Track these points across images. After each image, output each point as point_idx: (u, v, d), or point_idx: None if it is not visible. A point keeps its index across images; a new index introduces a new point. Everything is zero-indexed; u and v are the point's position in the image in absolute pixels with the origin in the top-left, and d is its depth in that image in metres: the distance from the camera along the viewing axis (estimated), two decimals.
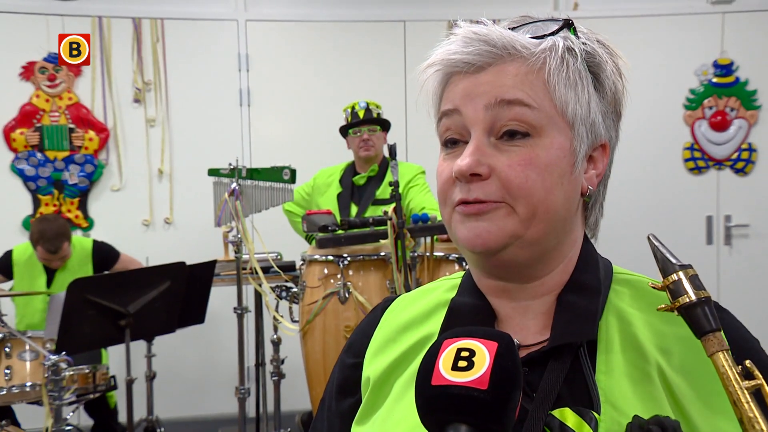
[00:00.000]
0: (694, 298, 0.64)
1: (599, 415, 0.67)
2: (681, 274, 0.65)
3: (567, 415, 0.68)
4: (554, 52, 0.73)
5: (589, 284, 0.77)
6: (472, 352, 0.60)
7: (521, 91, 0.72)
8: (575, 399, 0.70)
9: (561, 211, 0.75)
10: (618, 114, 0.80)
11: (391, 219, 2.64)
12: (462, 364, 0.59)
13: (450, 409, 0.58)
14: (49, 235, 3.50)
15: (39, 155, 4.30)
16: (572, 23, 0.77)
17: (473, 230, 0.73)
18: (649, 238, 0.70)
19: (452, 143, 0.77)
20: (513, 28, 0.76)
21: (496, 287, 0.79)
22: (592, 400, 0.69)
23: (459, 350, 0.60)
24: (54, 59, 4.29)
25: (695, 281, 0.65)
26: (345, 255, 2.81)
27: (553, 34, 0.75)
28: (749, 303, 4.48)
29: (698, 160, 4.69)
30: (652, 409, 0.68)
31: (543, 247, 0.75)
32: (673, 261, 0.67)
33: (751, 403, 0.60)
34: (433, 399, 0.59)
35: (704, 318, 0.63)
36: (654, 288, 0.69)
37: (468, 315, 0.79)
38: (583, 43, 0.76)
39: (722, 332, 0.72)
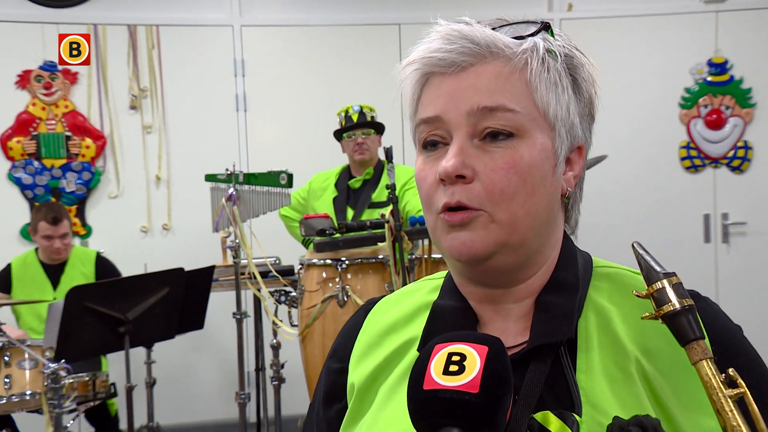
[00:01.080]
0: (678, 306, 0.64)
1: (580, 417, 0.67)
2: (665, 282, 0.66)
3: (549, 420, 0.67)
4: (536, 53, 0.73)
5: (567, 282, 0.77)
6: (463, 357, 0.61)
7: (503, 96, 0.72)
8: (557, 400, 0.70)
9: (543, 213, 0.75)
10: (592, 117, 0.80)
11: (388, 222, 2.65)
12: (453, 368, 0.60)
13: (441, 413, 0.59)
14: (50, 206, 3.55)
15: (36, 163, 4.30)
16: (550, 26, 0.77)
17: (458, 240, 0.73)
18: (633, 246, 0.70)
19: (432, 145, 0.76)
20: (492, 29, 0.75)
21: (478, 293, 0.79)
22: (573, 402, 0.69)
23: (450, 354, 0.61)
24: (50, 67, 4.29)
25: (679, 289, 0.65)
26: (343, 258, 2.81)
27: (532, 35, 0.75)
28: (747, 301, 4.49)
29: (694, 159, 4.70)
30: (633, 407, 0.68)
31: (527, 250, 0.75)
32: (657, 269, 0.67)
33: (735, 412, 0.60)
34: (424, 403, 0.60)
35: (688, 326, 0.64)
36: (638, 296, 0.69)
37: (450, 318, 0.78)
38: (561, 45, 0.76)
39: (704, 330, 0.71)
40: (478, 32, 0.73)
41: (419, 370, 0.62)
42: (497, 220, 0.72)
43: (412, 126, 0.80)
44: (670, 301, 0.65)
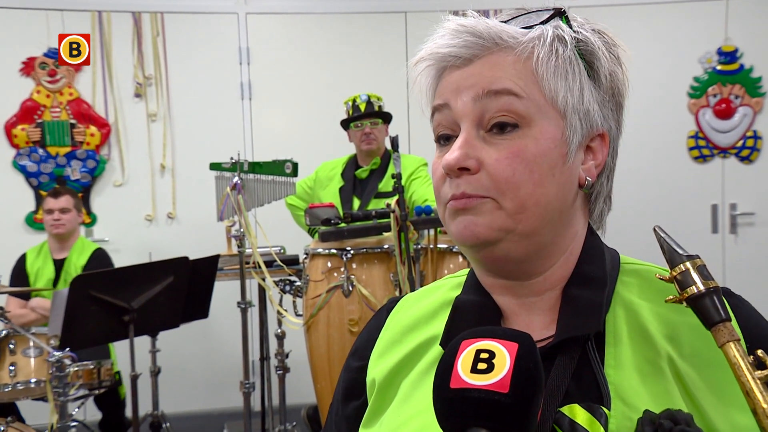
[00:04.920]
0: (702, 288, 0.63)
1: (609, 410, 0.66)
2: (688, 264, 0.64)
3: (577, 412, 0.66)
4: (542, 41, 0.73)
5: (594, 276, 0.75)
6: (492, 354, 0.58)
7: (509, 80, 0.72)
8: (584, 394, 0.68)
9: (554, 203, 0.73)
10: (618, 103, 0.79)
11: (394, 211, 2.63)
12: (482, 366, 0.58)
13: (469, 413, 0.57)
14: (59, 185, 3.63)
15: (41, 151, 4.29)
16: (564, 12, 0.76)
17: (462, 223, 0.73)
18: (655, 229, 0.69)
19: (445, 139, 0.76)
20: (506, 21, 0.76)
21: (498, 284, 0.78)
22: (601, 395, 0.67)
23: (478, 351, 0.59)
24: (54, 55, 4.28)
25: (703, 271, 0.64)
26: (348, 248, 2.80)
27: (543, 23, 0.74)
28: (755, 291, 4.42)
29: (703, 149, 4.66)
30: (664, 402, 0.66)
31: (538, 240, 0.74)
32: (680, 252, 0.66)
33: (765, 394, 0.58)
34: (451, 402, 0.58)
35: (713, 308, 0.62)
36: (662, 279, 0.68)
37: (473, 312, 0.77)
38: (574, 31, 0.75)
39: (734, 320, 0.69)
40: (481, 25, 0.73)
41: (446, 367, 0.60)
42: (504, 207, 0.72)
43: (430, 119, 0.80)
44: (694, 283, 0.63)
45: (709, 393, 0.68)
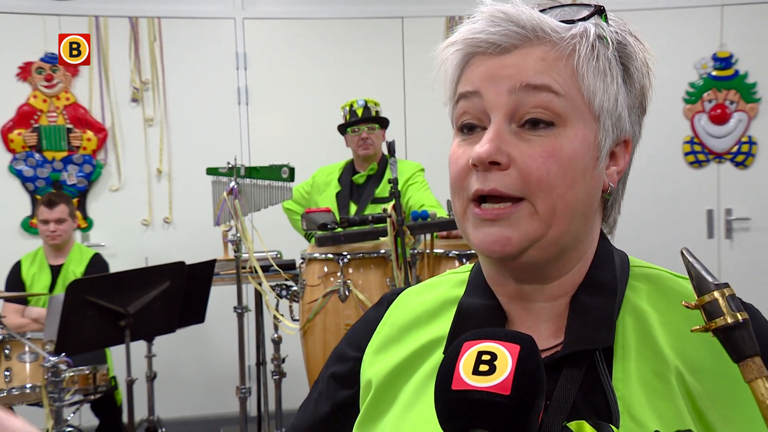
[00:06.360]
0: (730, 320, 0.59)
1: (618, 428, 0.64)
2: (717, 294, 0.61)
3: (584, 429, 0.64)
4: (585, 39, 0.69)
5: (604, 282, 0.73)
6: (494, 356, 0.58)
7: (549, 76, 0.68)
8: (592, 408, 0.66)
9: (581, 208, 0.70)
10: (643, 109, 0.76)
11: (390, 216, 2.63)
12: (483, 368, 0.58)
13: (471, 415, 0.57)
14: (52, 192, 3.65)
15: (37, 156, 4.29)
16: (604, 10, 0.73)
17: (491, 236, 0.69)
18: (682, 252, 0.64)
19: (469, 129, 0.71)
20: (541, 11, 0.71)
21: (509, 289, 0.75)
22: (610, 411, 0.65)
23: (480, 353, 0.59)
24: (51, 59, 4.27)
25: (733, 302, 0.60)
26: (345, 253, 2.80)
27: (584, 19, 0.70)
28: (751, 297, 4.39)
29: (698, 154, 4.67)
30: (672, 420, 0.65)
31: (561, 246, 0.71)
32: (710, 279, 0.61)
33: None
34: (453, 404, 0.58)
35: (742, 342, 0.59)
36: (687, 306, 0.63)
37: (478, 317, 0.74)
38: (614, 32, 0.71)
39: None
40: (524, 15, 0.69)
41: (447, 368, 0.59)
42: (538, 210, 0.68)
43: (450, 107, 0.75)
44: (724, 315, 0.60)
45: (718, 409, 0.67)
